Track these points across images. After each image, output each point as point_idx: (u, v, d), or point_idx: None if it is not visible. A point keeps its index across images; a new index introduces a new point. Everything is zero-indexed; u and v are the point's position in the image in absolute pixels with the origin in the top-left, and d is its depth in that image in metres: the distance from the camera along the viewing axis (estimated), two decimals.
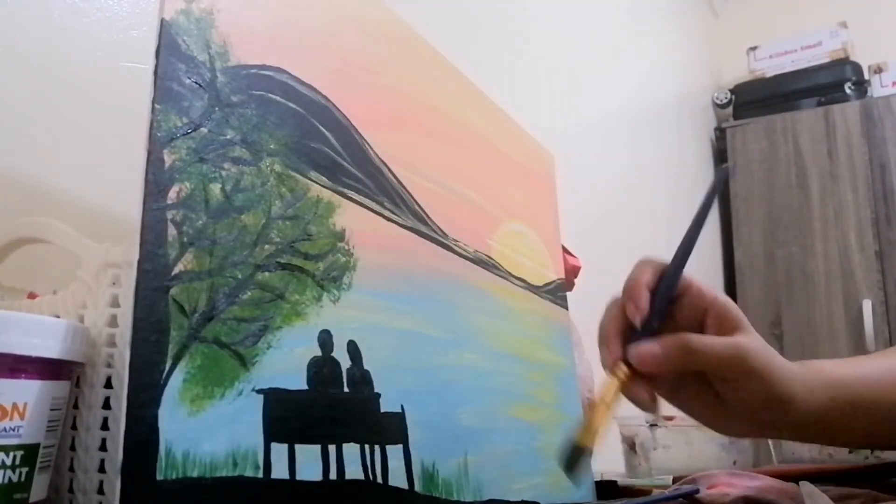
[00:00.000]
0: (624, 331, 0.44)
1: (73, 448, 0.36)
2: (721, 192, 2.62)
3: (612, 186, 1.67)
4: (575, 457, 0.42)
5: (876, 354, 0.52)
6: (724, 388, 0.44)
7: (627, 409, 0.46)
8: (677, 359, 0.42)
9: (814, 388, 0.45)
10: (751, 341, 0.43)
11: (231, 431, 0.35)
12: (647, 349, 0.42)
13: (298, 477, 0.38)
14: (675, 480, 0.64)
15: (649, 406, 0.43)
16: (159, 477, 0.31)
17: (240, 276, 0.38)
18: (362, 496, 0.42)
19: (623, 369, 0.42)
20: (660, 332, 0.43)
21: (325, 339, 0.42)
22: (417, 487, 0.46)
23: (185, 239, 0.35)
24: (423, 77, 0.60)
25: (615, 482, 0.68)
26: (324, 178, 0.46)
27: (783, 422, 0.45)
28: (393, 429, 0.46)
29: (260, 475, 0.36)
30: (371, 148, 0.51)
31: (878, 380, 0.48)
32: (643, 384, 0.42)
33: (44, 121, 0.56)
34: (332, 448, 0.41)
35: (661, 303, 0.44)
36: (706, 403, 0.45)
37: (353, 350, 0.44)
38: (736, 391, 0.43)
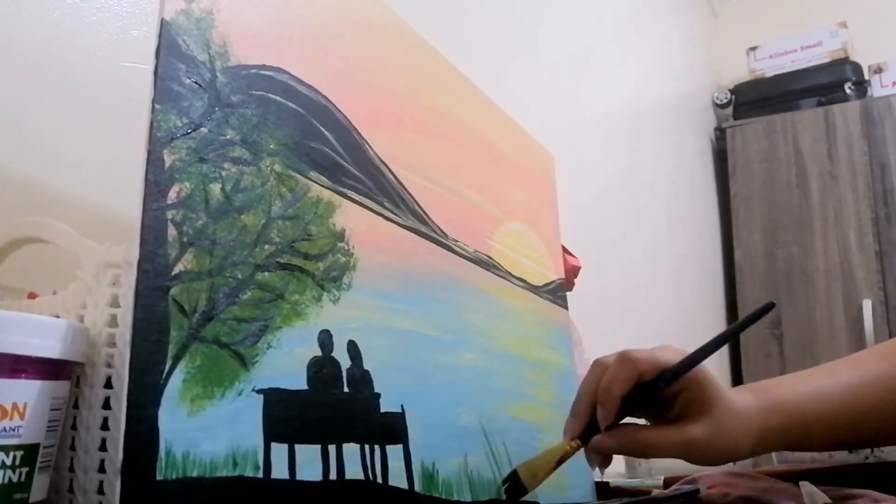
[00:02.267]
0: (592, 409, 0.50)
1: (73, 448, 0.36)
2: (721, 192, 2.63)
3: (612, 186, 1.67)
4: (516, 493, 0.50)
5: (837, 368, 0.57)
6: None
7: None
8: (631, 451, 0.50)
9: (769, 427, 0.51)
10: (701, 432, 0.48)
11: (231, 431, 0.35)
12: (608, 443, 0.49)
13: (298, 477, 0.38)
14: (666, 482, 0.64)
15: (599, 467, 0.51)
16: (159, 477, 0.31)
17: (240, 276, 0.38)
18: (362, 496, 0.42)
19: (576, 443, 0.50)
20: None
21: (325, 339, 0.42)
22: (417, 487, 0.46)
23: (185, 239, 0.35)
24: (423, 77, 0.60)
25: (607, 483, 0.68)
26: (324, 178, 0.46)
27: (735, 459, 0.52)
28: (393, 429, 0.46)
29: (260, 475, 0.36)
30: (371, 148, 0.51)
31: (822, 392, 0.54)
32: (593, 456, 0.50)
33: (44, 121, 0.56)
34: (332, 448, 0.41)
35: (630, 408, 0.49)
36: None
37: (353, 350, 0.44)
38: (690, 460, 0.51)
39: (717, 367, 2.28)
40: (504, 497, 0.51)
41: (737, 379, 2.36)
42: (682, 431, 0.49)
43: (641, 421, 0.52)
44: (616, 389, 0.48)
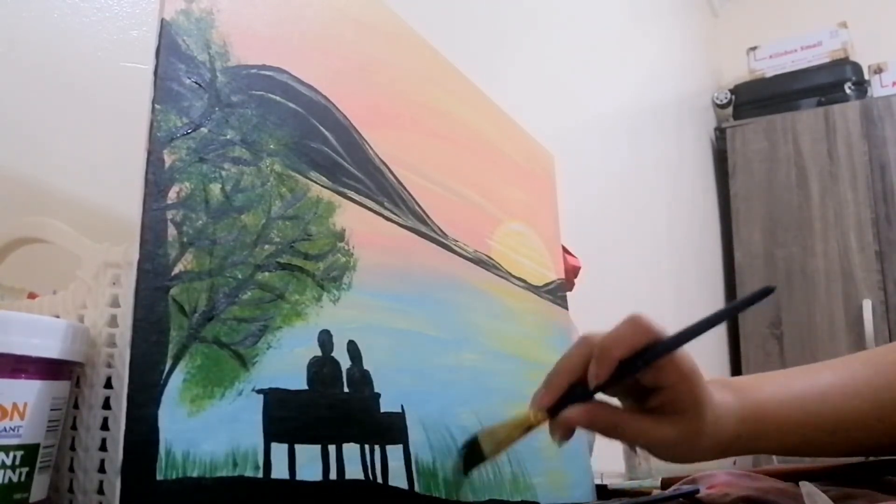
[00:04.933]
0: (571, 382, 0.46)
1: (73, 448, 0.36)
2: (721, 192, 2.63)
3: (612, 186, 1.67)
4: (475, 460, 0.49)
5: (820, 373, 0.55)
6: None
7: None
8: (601, 429, 0.47)
9: (739, 435, 0.49)
10: (674, 433, 0.46)
11: (231, 431, 0.35)
12: (578, 416, 0.46)
13: (298, 477, 0.38)
14: (664, 482, 0.64)
15: (561, 440, 0.47)
16: (159, 477, 0.31)
17: (240, 276, 0.38)
18: (362, 496, 0.42)
19: (543, 415, 0.46)
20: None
21: (325, 339, 0.42)
22: (417, 487, 0.46)
23: (185, 239, 0.35)
24: (423, 77, 0.60)
25: (605, 486, 0.68)
26: (324, 178, 0.46)
27: (702, 460, 0.50)
28: (393, 429, 0.46)
29: (260, 475, 0.36)
30: (371, 148, 0.51)
31: (799, 397, 0.52)
32: (558, 427, 0.47)
33: (44, 121, 0.56)
34: (332, 448, 0.41)
35: (621, 377, 0.45)
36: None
37: (353, 350, 0.44)
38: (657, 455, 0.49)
39: (717, 367, 2.28)
40: (461, 463, 0.49)
41: None
42: (656, 427, 0.46)
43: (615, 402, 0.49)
44: (617, 350, 0.44)
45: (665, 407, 0.46)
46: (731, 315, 0.48)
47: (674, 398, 0.46)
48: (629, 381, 0.46)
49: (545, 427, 0.47)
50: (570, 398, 0.46)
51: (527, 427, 0.47)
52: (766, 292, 0.45)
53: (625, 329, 0.45)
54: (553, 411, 0.46)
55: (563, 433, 0.47)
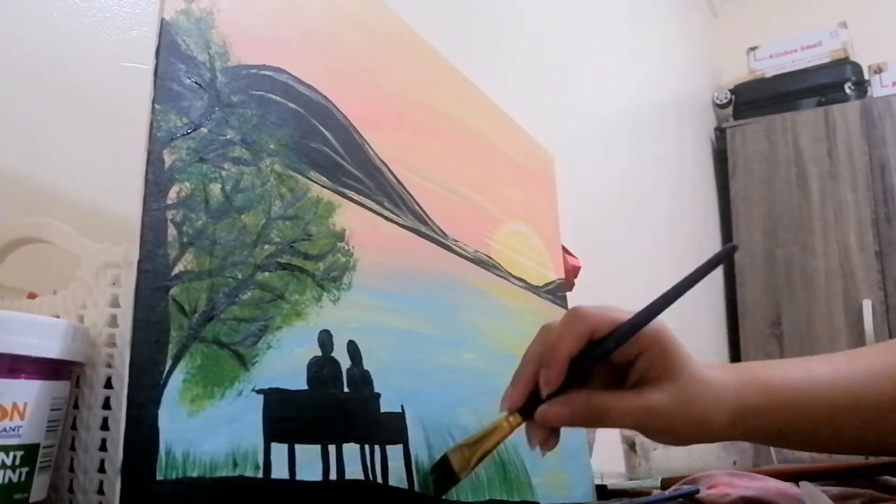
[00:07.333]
0: (537, 376, 0.42)
1: (73, 448, 0.36)
2: (721, 192, 2.62)
3: (613, 187, 1.67)
4: (446, 482, 0.44)
5: (833, 356, 0.50)
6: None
7: None
8: (584, 419, 0.42)
9: (746, 403, 0.44)
10: (663, 397, 0.42)
11: (231, 431, 0.35)
12: (555, 412, 0.41)
13: (298, 477, 0.38)
14: (664, 483, 0.64)
15: (541, 447, 0.43)
16: (159, 477, 0.31)
17: (240, 276, 0.38)
18: (362, 496, 0.42)
19: (516, 419, 0.42)
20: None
21: (325, 339, 0.42)
22: (417, 487, 0.46)
23: (185, 239, 0.35)
24: (423, 77, 0.60)
25: (605, 486, 0.68)
26: (324, 178, 0.46)
27: (707, 437, 0.45)
28: (393, 429, 0.46)
29: (260, 475, 0.36)
30: (371, 148, 0.51)
31: (808, 372, 0.47)
32: (537, 430, 0.42)
33: (44, 121, 0.56)
34: (332, 448, 0.41)
35: (580, 375, 0.42)
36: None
37: (353, 350, 0.44)
38: (653, 432, 0.44)
39: None
40: (433, 487, 0.45)
41: None
42: (641, 396, 0.41)
43: None
44: (563, 348, 0.41)
45: (645, 375, 0.42)
46: (691, 285, 0.44)
47: (649, 365, 0.42)
48: (595, 371, 0.43)
49: (521, 431, 0.43)
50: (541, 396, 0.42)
51: (501, 436, 0.43)
52: (729, 252, 0.43)
53: (563, 325, 0.42)
54: (526, 411, 0.42)
55: (543, 437, 0.42)
